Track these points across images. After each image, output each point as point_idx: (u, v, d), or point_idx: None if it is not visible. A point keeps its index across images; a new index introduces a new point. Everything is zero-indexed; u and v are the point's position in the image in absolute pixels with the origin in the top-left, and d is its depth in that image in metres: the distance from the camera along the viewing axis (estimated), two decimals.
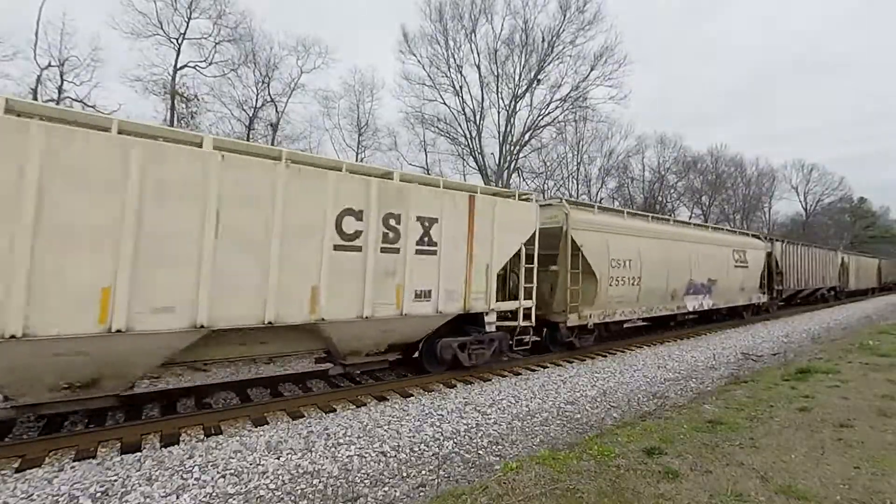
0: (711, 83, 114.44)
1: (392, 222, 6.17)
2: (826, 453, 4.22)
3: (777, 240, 18.36)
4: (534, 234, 8.04)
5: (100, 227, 4.18)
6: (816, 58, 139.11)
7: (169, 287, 4.53)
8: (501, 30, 31.78)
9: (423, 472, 4.23)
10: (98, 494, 3.55)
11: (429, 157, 34.81)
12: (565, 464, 3.89)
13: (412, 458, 4.48)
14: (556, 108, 32.86)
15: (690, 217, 45.86)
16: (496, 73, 31.91)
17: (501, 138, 32.18)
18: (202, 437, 4.82)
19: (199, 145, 4.89)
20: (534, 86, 31.99)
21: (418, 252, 6.44)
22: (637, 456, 4.10)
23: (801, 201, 60.63)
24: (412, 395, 6.46)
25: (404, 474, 4.16)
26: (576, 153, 39.37)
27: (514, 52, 31.82)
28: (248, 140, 26.54)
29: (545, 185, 37.03)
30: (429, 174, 32.24)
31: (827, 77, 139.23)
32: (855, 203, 64.76)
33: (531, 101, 32.56)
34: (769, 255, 17.18)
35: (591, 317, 9.35)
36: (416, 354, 7.61)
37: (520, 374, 7.94)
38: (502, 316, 7.91)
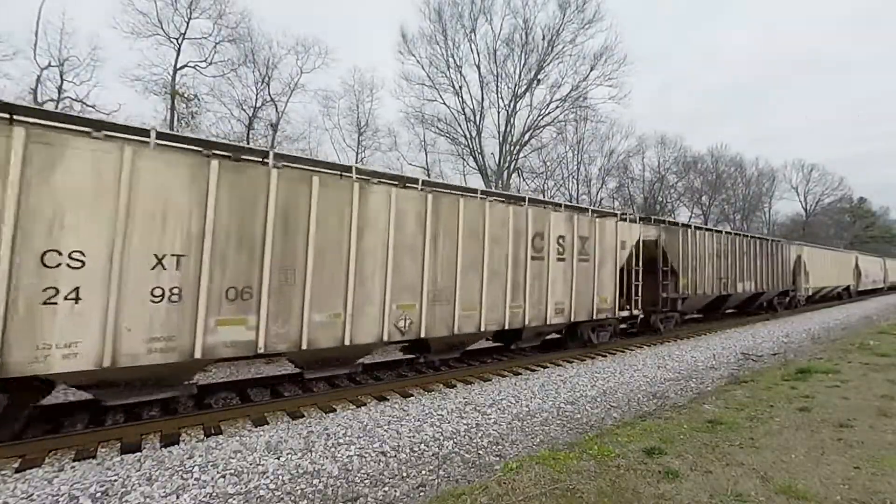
0: (712, 83, 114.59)
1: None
2: (826, 453, 4.22)
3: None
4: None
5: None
6: (817, 58, 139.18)
7: None
8: (501, 29, 31.82)
9: (423, 472, 4.23)
10: (98, 494, 3.55)
11: (429, 157, 34.84)
12: (565, 464, 3.89)
13: (412, 458, 4.48)
14: (556, 107, 32.92)
15: (690, 217, 45.87)
16: (496, 73, 31.94)
17: (501, 138, 32.18)
18: (202, 437, 4.82)
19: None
20: (534, 85, 32.01)
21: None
22: (637, 456, 4.10)
23: (801, 201, 60.65)
24: (412, 395, 6.46)
25: (404, 474, 4.16)
26: (576, 153, 39.36)
27: (514, 52, 31.86)
28: (248, 140, 26.55)
29: (545, 185, 37.05)
30: (429, 175, 32.33)
31: (827, 77, 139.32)
32: (855, 203, 64.74)
33: (531, 100, 32.60)
34: None
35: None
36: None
37: (520, 374, 7.94)
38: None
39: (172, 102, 24.90)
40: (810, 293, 21.83)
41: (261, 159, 6.14)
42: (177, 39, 25.40)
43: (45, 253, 3.97)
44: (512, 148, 32.22)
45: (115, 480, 3.76)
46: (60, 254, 4.02)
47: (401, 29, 32.22)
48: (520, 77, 31.92)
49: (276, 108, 29.23)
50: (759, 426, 4.95)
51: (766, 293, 17.47)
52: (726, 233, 15.36)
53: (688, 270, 12.45)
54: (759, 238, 17.24)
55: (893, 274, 39.89)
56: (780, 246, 18.67)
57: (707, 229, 14.28)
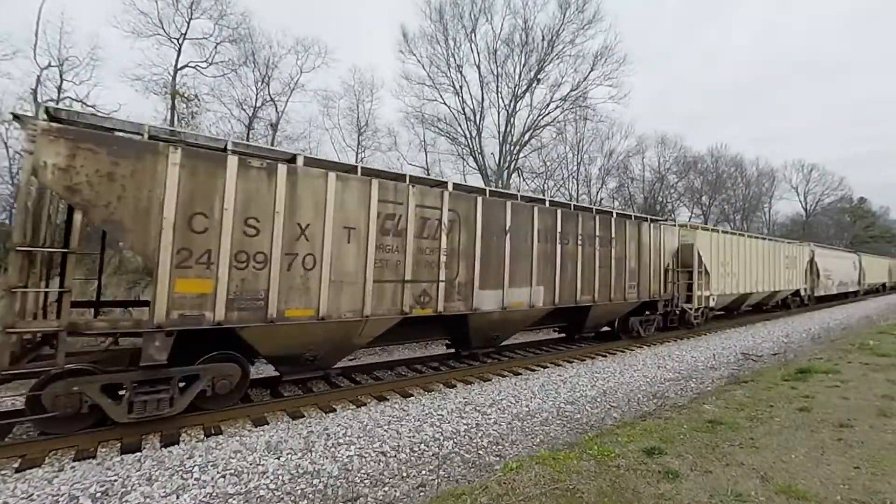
0: (712, 83, 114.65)
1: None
2: (826, 453, 4.22)
3: None
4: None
5: None
6: (817, 58, 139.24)
7: None
8: (501, 29, 31.74)
9: (423, 472, 4.23)
10: (98, 494, 3.55)
11: (429, 157, 34.81)
12: (565, 464, 3.89)
13: (412, 458, 4.48)
14: (556, 107, 32.82)
15: (690, 217, 45.85)
16: (496, 73, 31.87)
17: (501, 138, 32.14)
18: (202, 437, 4.83)
19: None
20: (534, 85, 31.95)
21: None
22: (637, 456, 4.10)
23: (801, 201, 60.54)
24: (412, 395, 6.46)
25: (404, 474, 4.16)
26: (576, 153, 39.24)
27: (514, 52, 31.79)
28: (247, 140, 26.53)
29: (545, 186, 37.02)
30: (428, 174, 32.30)
31: (827, 77, 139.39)
32: (855, 203, 64.70)
33: (531, 100, 32.53)
34: None
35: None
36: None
37: (520, 374, 7.94)
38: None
39: (173, 102, 24.86)
40: (712, 304, 13.55)
41: None
42: (177, 39, 25.35)
43: None
44: (512, 148, 32.19)
45: (115, 480, 3.76)
46: None
47: (402, 28, 32.14)
48: (520, 77, 31.89)
49: (276, 108, 29.15)
50: (759, 426, 4.95)
51: (596, 307, 9.51)
52: (449, 188, 7.08)
53: (156, 257, 4.52)
54: (572, 207, 9.26)
55: (874, 274, 32.41)
56: (635, 226, 10.57)
57: (352, 167, 6.35)
